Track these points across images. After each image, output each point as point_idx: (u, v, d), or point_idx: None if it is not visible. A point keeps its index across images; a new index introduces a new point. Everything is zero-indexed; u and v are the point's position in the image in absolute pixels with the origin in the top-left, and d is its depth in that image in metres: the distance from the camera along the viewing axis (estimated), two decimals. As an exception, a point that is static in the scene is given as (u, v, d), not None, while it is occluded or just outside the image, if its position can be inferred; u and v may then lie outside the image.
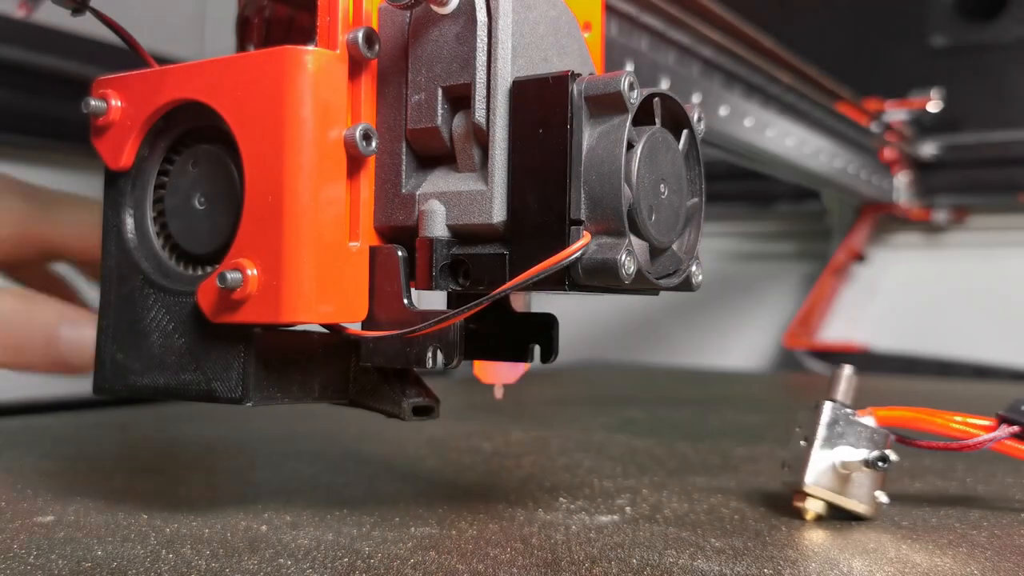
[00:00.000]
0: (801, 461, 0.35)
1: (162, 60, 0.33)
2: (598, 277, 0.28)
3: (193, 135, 0.32)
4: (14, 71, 0.98)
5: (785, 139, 0.80)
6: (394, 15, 0.31)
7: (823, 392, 0.37)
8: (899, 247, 1.36)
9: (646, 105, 0.29)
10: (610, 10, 0.51)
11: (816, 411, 0.36)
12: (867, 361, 1.25)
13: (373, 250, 0.31)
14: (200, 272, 0.32)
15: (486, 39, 0.29)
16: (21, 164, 1.06)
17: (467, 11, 0.29)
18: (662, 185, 0.29)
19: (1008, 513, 0.38)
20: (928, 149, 1.26)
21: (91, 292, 0.44)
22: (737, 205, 1.41)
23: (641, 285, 0.28)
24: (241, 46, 0.37)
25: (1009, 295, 1.25)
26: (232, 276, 0.28)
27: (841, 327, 1.34)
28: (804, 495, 0.35)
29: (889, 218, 1.32)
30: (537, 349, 0.34)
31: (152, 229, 0.33)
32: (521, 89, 0.29)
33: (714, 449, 0.54)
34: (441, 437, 0.54)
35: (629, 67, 0.53)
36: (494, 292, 0.28)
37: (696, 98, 0.63)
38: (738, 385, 1.07)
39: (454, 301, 0.32)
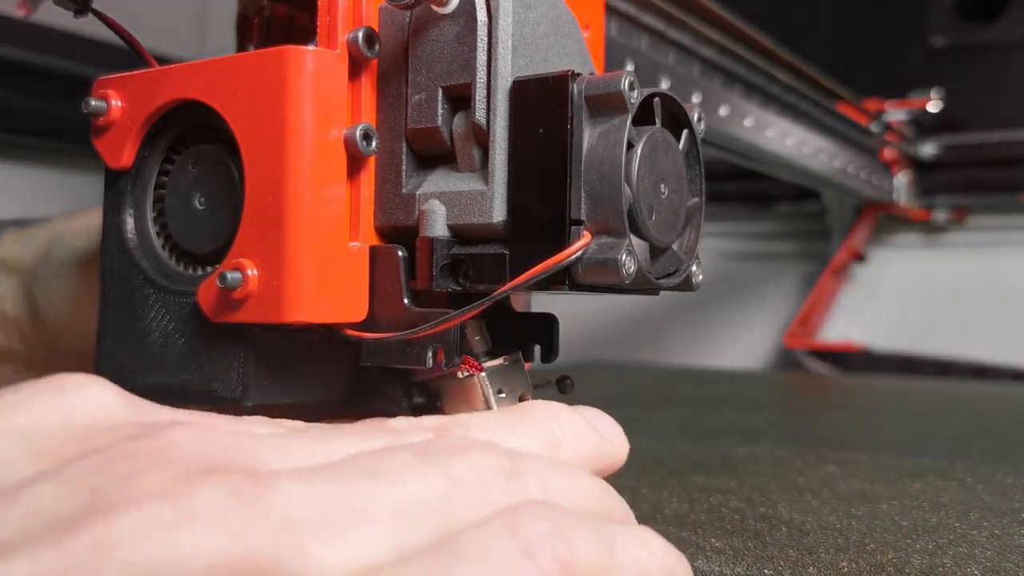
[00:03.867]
0: None
1: (162, 60, 0.33)
2: (598, 277, 0.28)
3: (193, 135, 0.32)
4: (14, 71, 0.98)
5: (785, 139, 0.80)
6: (394, 15, 0.31)
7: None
8: (899, 247, 1.36)
9: (646, 105, 0.29)
10: (610, 10, 0.51)
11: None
12: (867, 361, 1.25)
13: (373, 250, 0.31)
14: (200, 272, 0.32)
15: (486, 39, 0.29)
16: (21, 164, 1.06)
17: (467, 11, 0.29)
18: (662, 185, 0.29)
19: (1008, 513, 0.38)
20: (928, 149, 1.26)
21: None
22: (737, 205, 1.41)
23: (641, 285, 0.28)
24: (241, 46, 0.37)
25: (1009, 295, 1.25)
26: (232, 276, 0.28)
27: (841, 327, 1.34)
28: None
29: (889, 218, 1.32)
30: (538, 349, 0.34)
31: (152, 229, 0.33)
32: (521, 89, 0.29)
33: (714, 449, 0.54)
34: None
35: (629, 67, 0.53)
36: (495, 293, 0.28)
37: (696, 98, 0.63)
38: (738, 385, 1.07)
39: (454, 301, 0.32)
